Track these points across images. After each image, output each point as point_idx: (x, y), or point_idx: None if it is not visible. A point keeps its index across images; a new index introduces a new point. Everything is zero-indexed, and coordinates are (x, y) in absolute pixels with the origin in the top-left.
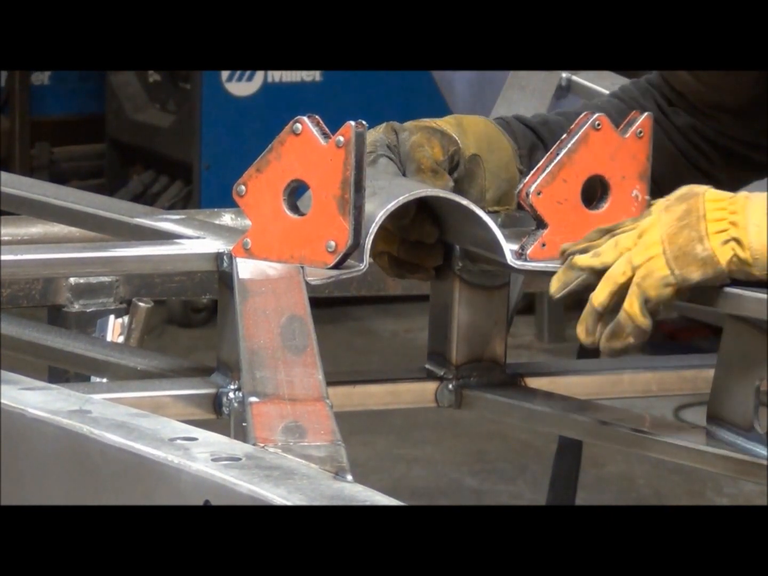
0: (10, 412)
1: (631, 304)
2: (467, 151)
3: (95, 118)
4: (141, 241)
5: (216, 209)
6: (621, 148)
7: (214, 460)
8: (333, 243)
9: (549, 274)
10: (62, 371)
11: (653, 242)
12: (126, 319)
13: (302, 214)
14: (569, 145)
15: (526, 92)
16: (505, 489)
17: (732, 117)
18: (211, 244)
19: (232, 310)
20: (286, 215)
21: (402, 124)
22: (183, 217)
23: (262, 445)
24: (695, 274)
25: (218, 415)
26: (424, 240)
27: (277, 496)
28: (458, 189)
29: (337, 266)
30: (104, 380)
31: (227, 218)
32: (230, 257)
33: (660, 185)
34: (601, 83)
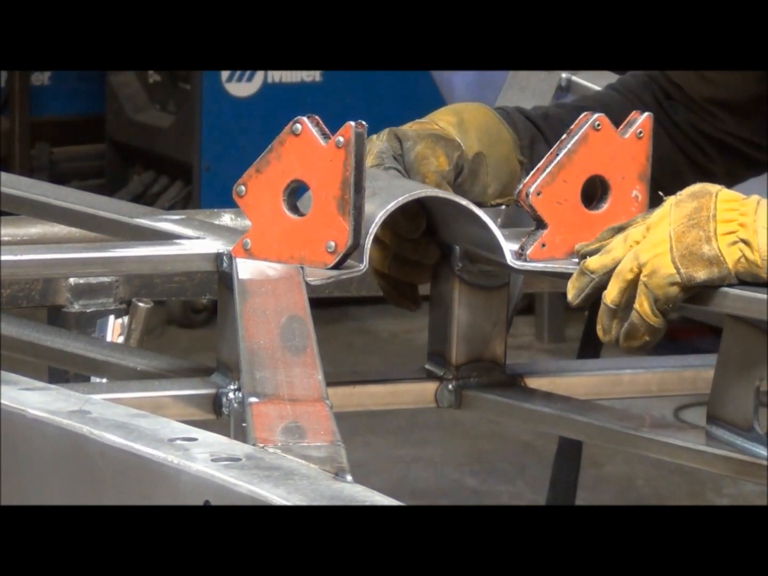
0: (10, 412)
1: (642, 304)
2: (470, 152)
3: (95, 118)
4: (141, 241)
5: (216, 210)
6: (621, 149)
7: (213, 460)
8: (333, 243)
9: (549, 275)
10: (62, 372)
11: (661, 239)
12: (126, 319)
13: (302, 215)
14: (569, 146)
15: (526, 92)
16: (505, 489)
17: (729, 113)
18: (211, 245)
19: (231, 311)
20: (286, 216)
21: (404, 131)
22: (183, 217)
23: (261, 445)
24: (701, 274)
25: (218, 416)
26: (423, 261)
27: (277, 496)
28: (461, 189)
29: (336, 266)
30: (104, 381)
31: (227, 219)
32: (230, 257)
33: (657, 180)
34: (601, 83)
